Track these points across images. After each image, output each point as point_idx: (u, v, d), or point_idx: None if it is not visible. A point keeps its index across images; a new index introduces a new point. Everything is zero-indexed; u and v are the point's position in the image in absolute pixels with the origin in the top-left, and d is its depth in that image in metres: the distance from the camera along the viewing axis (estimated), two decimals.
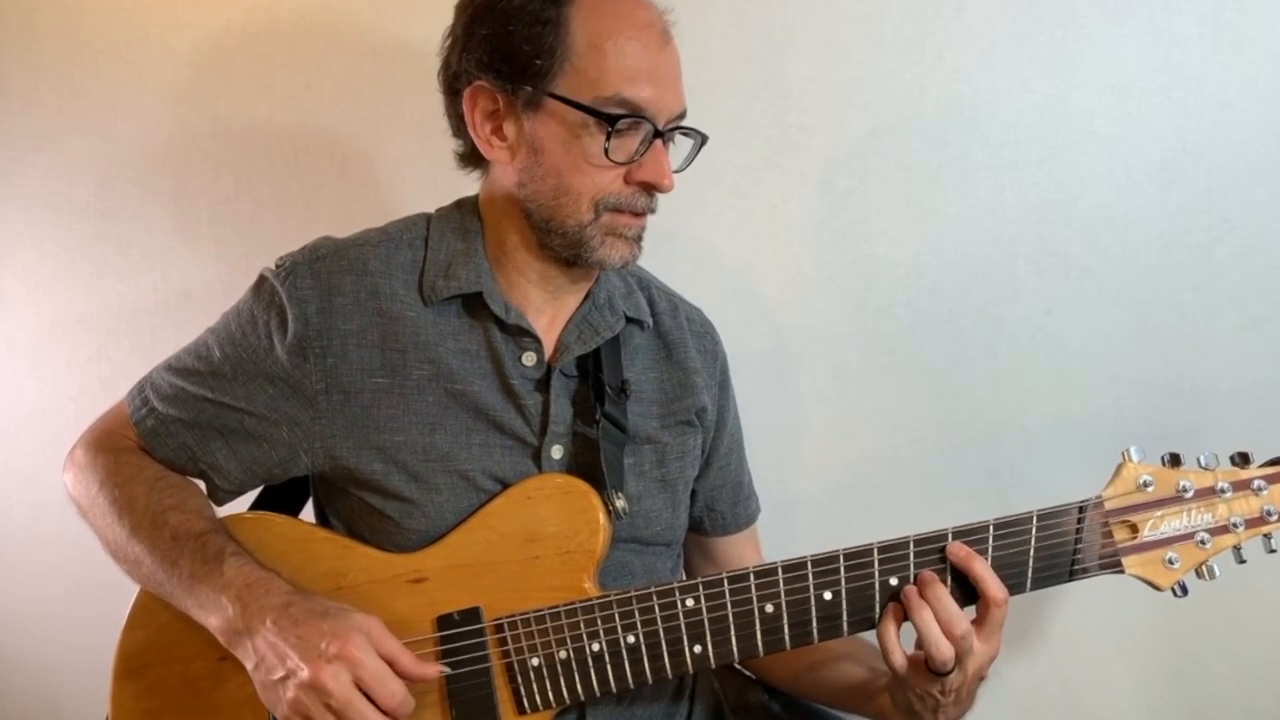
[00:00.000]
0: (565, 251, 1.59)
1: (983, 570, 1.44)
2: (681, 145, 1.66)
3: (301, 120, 2.32)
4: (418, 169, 2.27)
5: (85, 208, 2.39)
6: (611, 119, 1.50)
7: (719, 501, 1.86)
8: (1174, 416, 2.05)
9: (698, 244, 2.21)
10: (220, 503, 1.70)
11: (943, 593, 1.45)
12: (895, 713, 1.59)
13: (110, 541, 1.62)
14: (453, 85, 1.62)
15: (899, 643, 1.47)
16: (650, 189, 1.57)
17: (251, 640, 1.45)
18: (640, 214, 1.59)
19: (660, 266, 1.88)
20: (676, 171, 1.61)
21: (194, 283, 2.38)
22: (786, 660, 1.70)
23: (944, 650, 1.43)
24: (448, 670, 1.52)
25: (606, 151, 1.52)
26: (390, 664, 1.43)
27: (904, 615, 1.46)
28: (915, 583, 1.47)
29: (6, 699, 2.56)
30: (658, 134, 1.54)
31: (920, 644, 1.45)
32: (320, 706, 1.39)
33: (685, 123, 1.62)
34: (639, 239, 1.62)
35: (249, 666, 1.47)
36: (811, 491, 2.22)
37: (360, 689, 1.40)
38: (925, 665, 1.46)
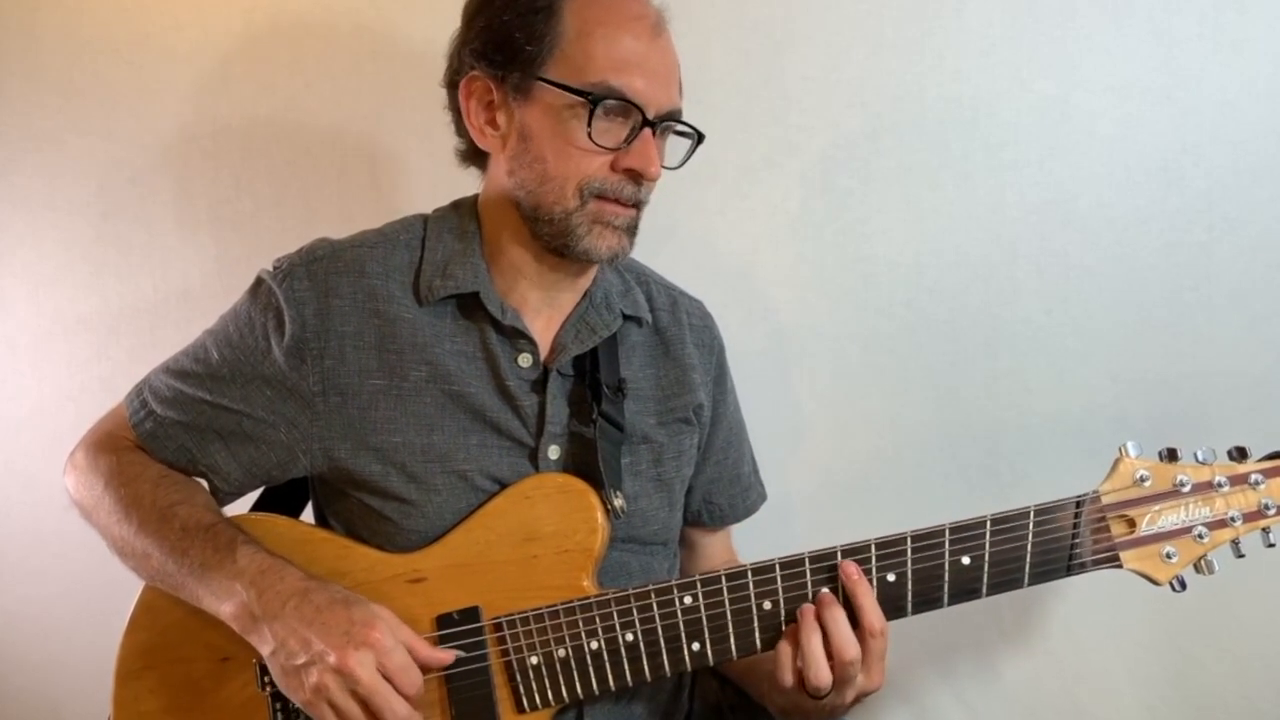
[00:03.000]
0: (554, 241, 1.59)
1: (863, 598, 1.45)
2: (678, 145, 1.66)
3: (301, 120, 2.32)
4: (418, 169, 2.28)
5: (85, 208, 2.39)
6: (595, 99, 1.50)
7: (717, 494, 1.87)
8: (1174, 416, 2.05)
9: (698, 243, 2.21)
10: (221, 504, 1.69)
11: (840, 616, 1.45)
12: (776, 707, 1.61)
13: (117, 539, 1.62)
14: (453, 79, 1.63)
15: (791, 664, 1.47)
16: (636, 177, 1.56)
17: (270, 625, 1.45)
18: (628, 204, 1.59)
19: (661, 266, 1.88)
20: (672, 169, 1.62)
21: (194, 283, 2.38)
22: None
23: (822, 676, 1.43)
24: (462, 654, 1.53)
25: (590, 134, 1.52)
26: (407, 650, 1.45)
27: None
28: (814, 601, 1.47)
29: (6, 699, 2.56)
30: (647, 123, 1.54)
31: (805, 665, 1.45)
32: (344, 692, 1.40)
33: (681, 121, 1.62)
34: (630, 230, 1.61)
35: (265, 652, 1.47)
36: (811, 490, 2.22)
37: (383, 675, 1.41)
38: (805, 685, 1.47)
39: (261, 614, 1.46)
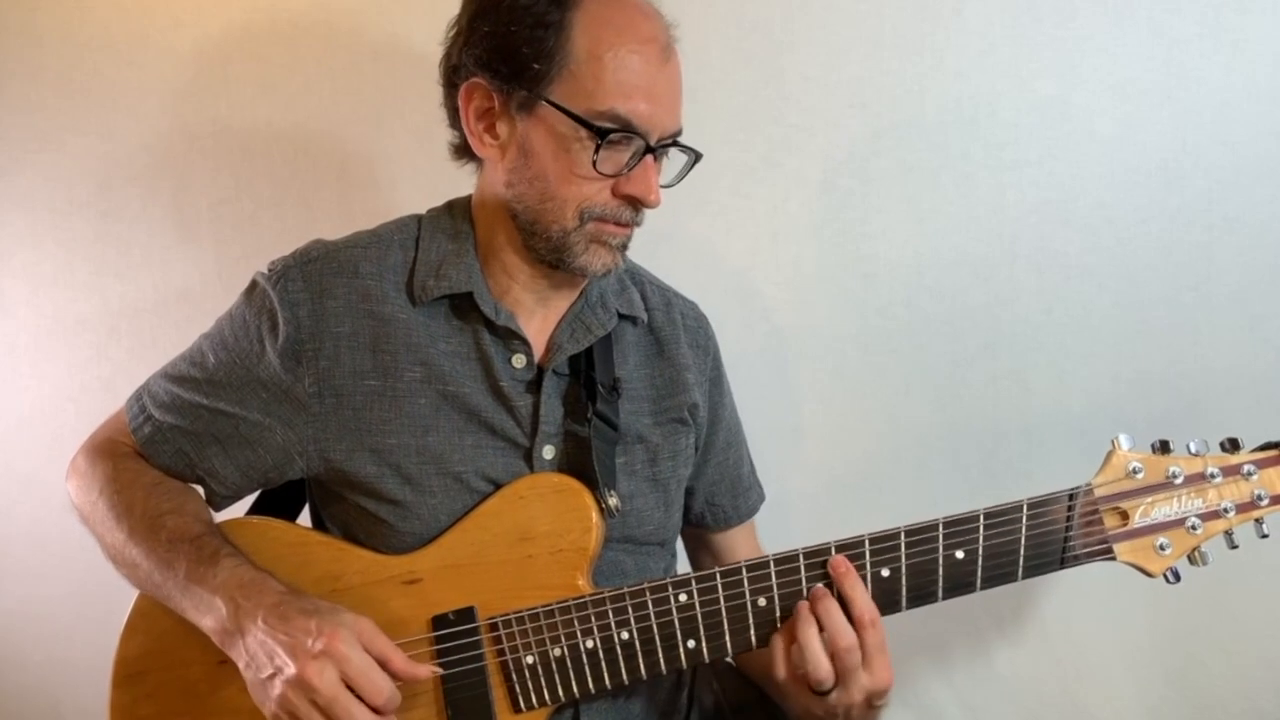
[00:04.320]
0: (549, 255, 1.59)
1: (851, 590, 1.45)
2: (675, 160, 1.65)
3: (301, 120, 2.32)
4: (417, 169, 2.27)
5: (85, 208, 2.39)
6: (602, 132, 1.49)
7: (719, 495, 1.87)
8: (1174, 416, 2.05)
9: (698, 244, 2.21)
10: (218, 507, 1.70)
11: (833, 606, 1.45)
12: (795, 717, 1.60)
13: (109, 546, 1.63)
14: (451, 78, 1.61)
15: (784, 656, 1.48)
16: (636, 203, 1.56)
17: (243, 639, 1.45)
18: (625, 225, 1.59)
19: (661, 266, 1.88)
20: (666, 187, 1.61)
21: (194, 283, 2.39)
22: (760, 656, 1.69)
23: (821, 668, 1.43)
24: (440, 671, 1.52)
25: (595, 163, 1.51)
26: (382, 664, 1.43)
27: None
28: (809, 597, 1.48)
29: (6, 699, 2.56)
30: (649, 149, 1.53)
31: (801, 659, 1.45)
32: (306, 703, 1.39)
33: (680, 139, 1.60)
34: (623, 247, 1.62)
35: (241, 666, 1.47)
36: (811, 490, 2.23)
37: (348, 685, 1.40)
38: (805, 681, 1.47)
39: (235, 628, 1.46)
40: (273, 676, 1.41)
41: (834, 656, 1.43)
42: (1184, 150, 2.03)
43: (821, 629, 1.45)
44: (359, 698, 1.40)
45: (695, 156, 1.65)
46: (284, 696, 1.40)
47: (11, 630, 2.55)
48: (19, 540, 2.52)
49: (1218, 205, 2.02)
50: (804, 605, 1.46)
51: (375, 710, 1.41)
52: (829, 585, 1.47)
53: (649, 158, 1.54)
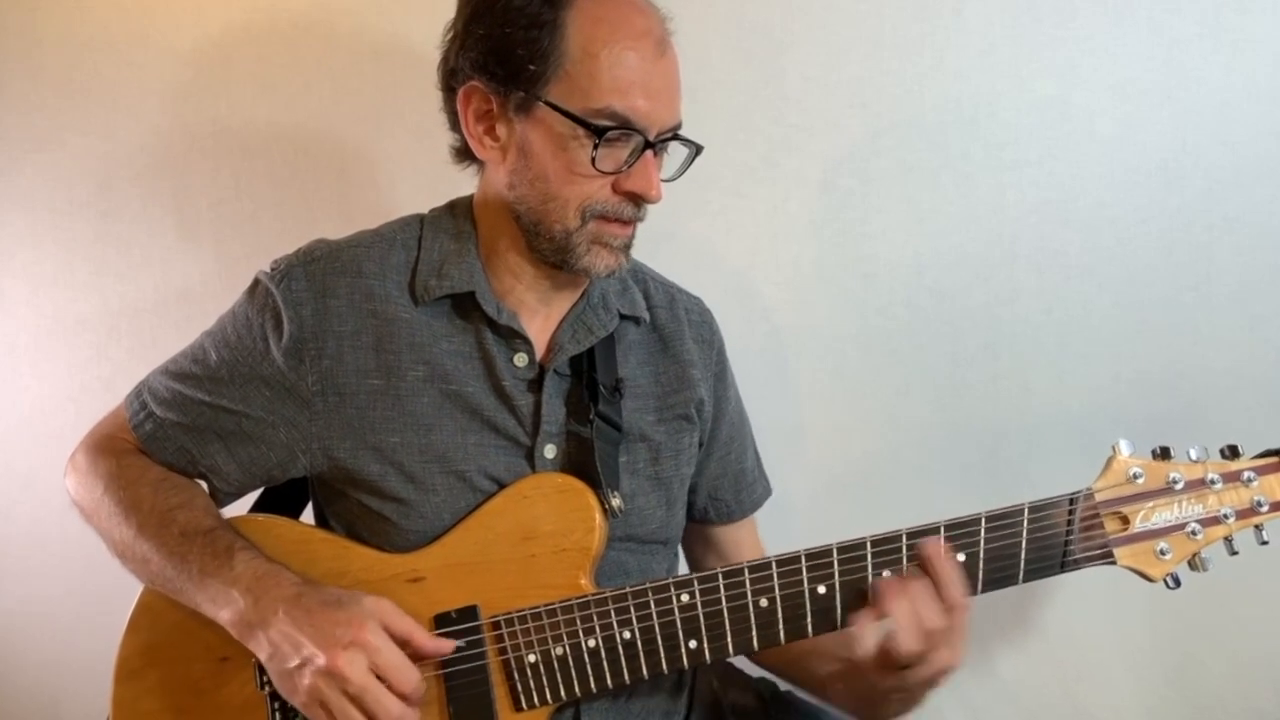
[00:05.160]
0: (553, 256, 1.59)
1: (946, 572, 1.44)
2: (675, 154, 1.65)
3: (301, 120, 2.32)
4: (418, 169, 2.27)
5: (85, 208, 2.39)
6: (600, 130, 1.49)
7: (722, 490, 1.86)
8: (1174, 417, 2.05)
9: (698, 244, 2.21)
10: (221, 505, 1.69)
11: (926, 587, 1.43)
12: (846, 697, 1.60)
13: (117, 542, 1.63)
14: (449, 82, 1.61)
15: (871, 635, 1.46)
16: (637, 199, 1.56)
17: (265, 631, 1.46)
18: (627, 223, 1.59)
19: (661, 266, 1.87)
20: (668, 181, 1.61)
21: (194, 283, 2.38)
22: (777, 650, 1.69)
23: (913, 644, 1.41)
24: (462, 645, 1.53)
25: (594, 161, 1.51)
26: (406, 641, 1.45)
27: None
28: (894, 577, 1.46)
29: (6, 699, 2.56)
30: (648, 145, 1.53)
31: (891, 635, 1.43)
32: (337, 693, 1.41)
33: (680, 133, 1.60)
34: (626, 248, 1.62)
35: (263, 657, 1.48)
36: (811, 491, 2.22)
37: (377, 675, 1.42)
38: (889, 657, 1.45)
39: (256, 620, 1.47)
40: (301, 667, 1.42)
41: (925, 636, 1.42)
42: (1184, 150, 2.03)
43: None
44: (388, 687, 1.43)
45: (696, 149, 1.64)
46: (314, 687, 1.42)
47: (11, 630, 2.55)
48: (19, 540, 2.51)
49: (1218, 205, 2.03)
50: (889, 585, 1.44)
51: (402, 698, 1.43)
52: (831, 588, 1.48)
53: (648, 153, 1.54)
